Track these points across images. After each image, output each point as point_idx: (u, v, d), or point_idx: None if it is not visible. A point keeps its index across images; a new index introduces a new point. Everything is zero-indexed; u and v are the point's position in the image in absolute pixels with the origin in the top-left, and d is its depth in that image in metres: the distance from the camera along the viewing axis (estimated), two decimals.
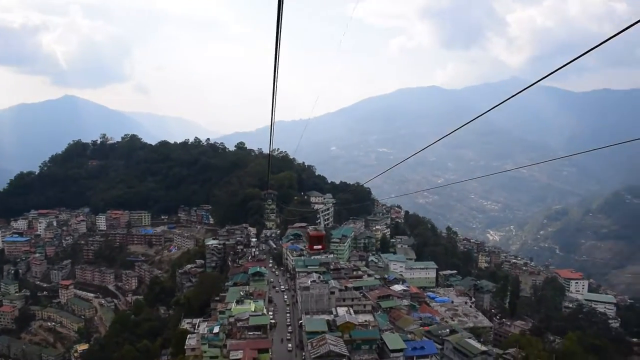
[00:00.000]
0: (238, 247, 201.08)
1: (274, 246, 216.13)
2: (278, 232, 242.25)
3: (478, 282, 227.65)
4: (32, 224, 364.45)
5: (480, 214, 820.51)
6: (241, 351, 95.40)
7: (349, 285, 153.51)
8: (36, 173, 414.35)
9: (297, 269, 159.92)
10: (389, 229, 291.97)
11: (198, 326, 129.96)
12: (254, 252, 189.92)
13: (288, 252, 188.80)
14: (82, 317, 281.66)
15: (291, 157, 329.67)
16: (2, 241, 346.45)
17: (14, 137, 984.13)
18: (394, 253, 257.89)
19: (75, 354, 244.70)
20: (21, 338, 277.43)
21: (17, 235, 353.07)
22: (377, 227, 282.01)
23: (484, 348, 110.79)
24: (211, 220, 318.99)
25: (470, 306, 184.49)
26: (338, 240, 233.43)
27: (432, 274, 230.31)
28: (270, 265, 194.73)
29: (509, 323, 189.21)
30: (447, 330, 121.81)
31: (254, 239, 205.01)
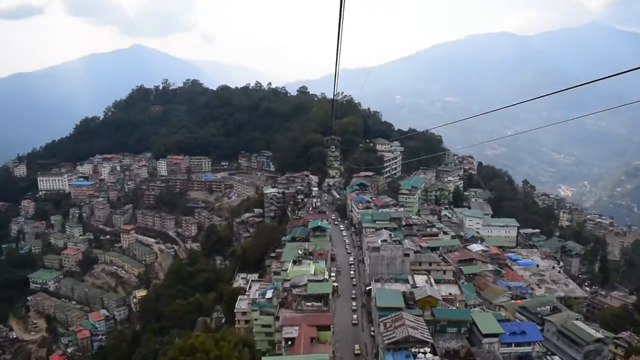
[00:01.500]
0: (298, 197, 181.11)
1: (337, 196, 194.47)
2: (342, 181, 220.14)
3: (565, 243, 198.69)
4: (97, 168, 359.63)
5: (552, 167, 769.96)
6: (296, 328, 74.70)
7: (423, 244, 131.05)
8: (100, 119, 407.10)
9: (363, 224, 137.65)
10: (461, 181, 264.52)
11: (250, 287, 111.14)
12: (315, 202, 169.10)
13: (353, 204, 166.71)
14: (143, 262, 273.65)
15: (356, 102, 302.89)
16: (69, 185, 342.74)
17: (86, 86, 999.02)
18: (468, 207, 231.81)
19: (134, 300, 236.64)
20: (84, 281, 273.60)
21: (82, 179, 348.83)
22: (449, 178, 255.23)
23: (599, 335, 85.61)
24: (272, 167, 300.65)
25: (559, 271, 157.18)
26: (407, 192, 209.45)
27: (513, 233, 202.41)
28: (333, 217, 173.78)
29: (603, 293, 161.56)
30: (548, 307, 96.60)
31: (315, 188, 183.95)
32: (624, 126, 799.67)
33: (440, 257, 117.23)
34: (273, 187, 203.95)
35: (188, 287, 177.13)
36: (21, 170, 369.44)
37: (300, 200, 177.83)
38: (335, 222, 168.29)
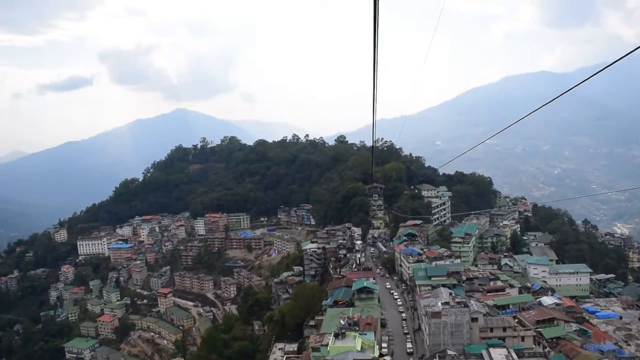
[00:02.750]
0: (340, 252, 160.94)
1: (384, 249, 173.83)
2: (387, 232, 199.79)
3: None
4: (136, 230, 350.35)
5: (605, 205, 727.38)
6: None
7: (489, 302, 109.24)
8: (140, 180, 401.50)
9: (417, 282, 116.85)
10: (518, 225, 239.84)
11: None
12: (359, 258, 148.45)
13: (402, 258, 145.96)
14: (181, 327, 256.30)
15: (397, 147, 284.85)
16: (108, 248, 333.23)
17: (132, 150, 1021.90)
18: (529, 254, 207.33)
19: None
20: (120, 349, 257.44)
21: (121, 242, 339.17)
22: (505, 222, 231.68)
23: None
24: (312, 221, 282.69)
25: None
26: (460, 240, 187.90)
27: (585, 280, 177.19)
28: (380, 273, 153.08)
29: None
30: None
31: (358, 242, 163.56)
32: None
33: (516, 319, 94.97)
34: (312, 242, 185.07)
35: (223, 358, 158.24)
36: (62, 235, 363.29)
37: (342, 255, 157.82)
38: (383, 278, 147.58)
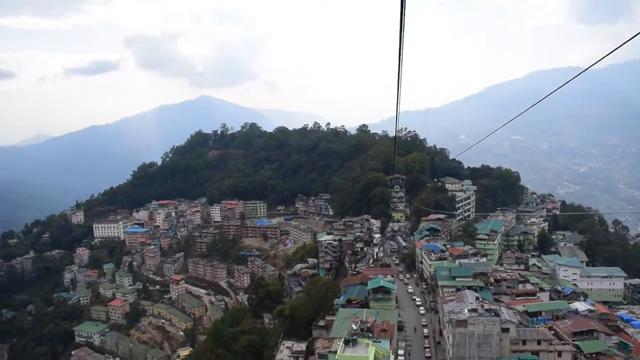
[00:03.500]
0: (357, 245, 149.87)
1: (403, 244, 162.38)
2: (408, 225, 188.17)
3: None
4: (153, 214, 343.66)
5: (631, 205, 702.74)
6: None
7: (518, 307, 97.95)
8: (158, 164, 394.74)
9: (439, 282, 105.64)
10: (546, 223, 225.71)
11: None
12: (377, 252, 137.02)
13: (423, 254, 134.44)
14: (192, 315, 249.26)
15: (421, 138, 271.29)
16: (124, 232, 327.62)
17: (155, 136, 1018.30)
18: (558, 254, 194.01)
19: (178, 359, 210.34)
20: (130, 335, 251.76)
21: (137, 226, 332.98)
22: (532, 220, 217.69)
23: None
24: (330, 212, 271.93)
25: None
26: (486, 237, 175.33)
27: (619, 285, 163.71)
28: (399, 269, 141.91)
29: None
30: None
31: (377, 235, 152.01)
32: None
33: (551, 330, 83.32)
34: (328, 234, 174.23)
35: (230, 352, 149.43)
36: (78, 217, 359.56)
37: (359, 249, 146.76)
38: (402, 276, 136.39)
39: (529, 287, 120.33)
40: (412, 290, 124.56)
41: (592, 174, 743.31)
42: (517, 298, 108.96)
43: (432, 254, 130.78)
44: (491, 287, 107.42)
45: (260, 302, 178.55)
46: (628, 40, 22.95)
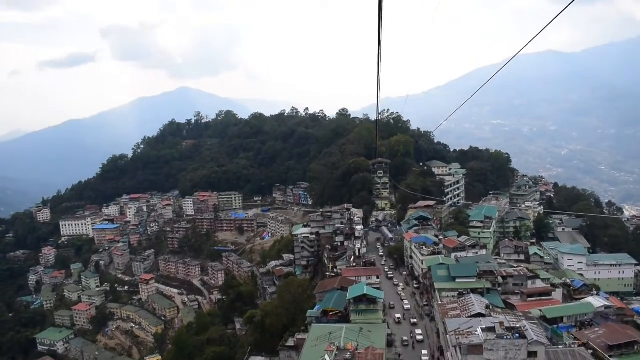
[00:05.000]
0: (336, 240, 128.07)
1: (390, 235, 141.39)
2: (394, 214, 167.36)
3: None
4: (123, 209, 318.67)
5: (613, 186, 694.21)
6: None
7: (533, 311, 77.92)
8: (129, 156, 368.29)
9: (436, 285, 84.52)
10: (541, 207, 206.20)
11: None
12: (359, 248, 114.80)
13: (413, 248, 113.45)
14: (163, 318, 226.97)
15: (404, 119, 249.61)
16: (92, 229, 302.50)
17: (135, 129, 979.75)
18: (557, 240, 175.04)
19: None
20: (97, 341, 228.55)
21: (107, 222, 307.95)
22: (527, 204, 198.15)
23: None
24: (310, 201, 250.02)
25: None
26: (480, 224, 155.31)
27: (629, 273, 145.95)
28: (385, 265, 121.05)
29: None
30: None
31: (359, 227, 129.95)
32: None
33: (587, 349, 62.57)
34: (305, 226, 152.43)
35: None
36: (45, 215, 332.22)
37: (338, 244, 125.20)
38: (389, 275, 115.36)
39: (539, 284, 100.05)
40: (401, 290, 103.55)
41: (573, 157, 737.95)
42: (529, 299, 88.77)
43: (424, 248, 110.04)
44: (499, 288, 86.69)
45: (231, 305, 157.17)
46: (534, 37, 24.15)
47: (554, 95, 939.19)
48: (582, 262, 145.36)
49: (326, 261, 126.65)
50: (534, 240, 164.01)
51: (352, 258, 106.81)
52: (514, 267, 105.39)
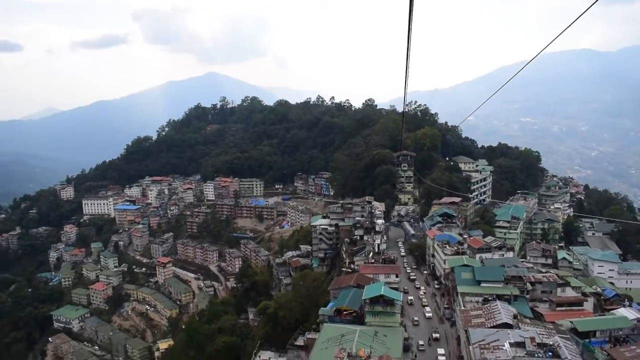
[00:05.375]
0: (355, 233, 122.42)
1: (412, 232, 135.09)
2: (417, 209, 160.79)
3: None
4: (145, 191, 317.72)
5: None
6: None
7: (563, 322, 71.52)
8: (153, 138, 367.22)
9: (460, 288, 78.32)
10: (571, 209, 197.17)
11: None
12: (379, 244, 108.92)
13: (436, 246, 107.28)
14: (178, 302, 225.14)
15: (432, 112, 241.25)
16: (114, 209, 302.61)
17: (163, 111, 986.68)
18: (586, 245, 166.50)
19: (157, 352, 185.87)
20: (112, 321, 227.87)
21: (128, 203, 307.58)
22: (556, 205, 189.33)
23: None
24: (332, 192, 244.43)
25: None
26: (507, 224, 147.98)
27: None
28: (405, 263, 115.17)
29: None
30: None
31: (379, 221, 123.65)
32: None
33: None
34: (324, 217, 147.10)
35: (203, 355, 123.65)
36: (68, 193, 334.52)
37: (358, 237, 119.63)
38: (410, 272, 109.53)
39: (569, 292, 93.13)
40: (422, 290, 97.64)
41: (603, 159, 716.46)
42: (558, 308, 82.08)
43: (447, 247, 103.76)
44: (527, 295, 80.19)
45: (245, 294, 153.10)
46: (553, 40, 25.81)
47: (586, 95, 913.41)
48: (613, 270, 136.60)
49: (344, 255, 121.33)
50: (562, 244, 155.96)
51: (371, 254, 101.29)
52: (542, 272, 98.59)
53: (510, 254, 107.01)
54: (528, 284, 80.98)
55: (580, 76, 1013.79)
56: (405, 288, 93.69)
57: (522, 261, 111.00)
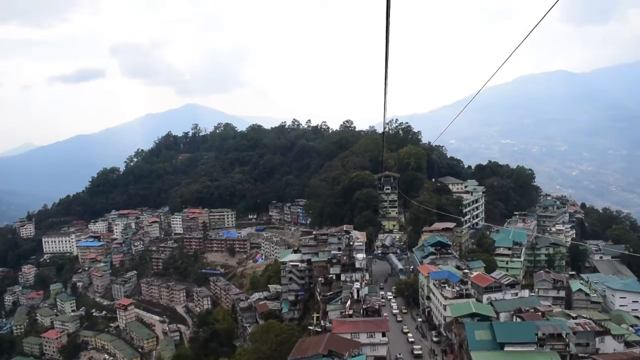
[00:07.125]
0: (331, 271, 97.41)
1: (399, 266, 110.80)
2: (403, 237, 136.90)
3: None
4: (111, 226, 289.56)
5: (625, 209, 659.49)
6: None
7: None
8: (120, 170, 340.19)
9: (473, 355, 53.82)
10: (573, 231, 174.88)
11: None
12: (358, 288, 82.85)
13: (432, 286, 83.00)
14: (140, 349, 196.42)
15: (415, 130, 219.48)
16: (77, 246, 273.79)
17: (142, 144, 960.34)
18: (595, 270, 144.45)
19: None
20: None
21: (92, 240, 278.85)
22: (558, 227, 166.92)
23: None
24: (309, 220, 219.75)
25: None
26: (508, 252, 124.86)
27: None
28: (394, 306, 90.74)
29: None
30: None
31: (360, 255, 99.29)
32: None
33: None
34: (296, 252, 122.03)
35: None
36: (28, 230, 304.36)
37: (333, 277, 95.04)
38: (400, 317, 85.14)
39: (609, 342, 69.66)
40: (415, 345, 73.01)
41: (584, 177, 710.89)
42: None
43: (447, 287, 79.52)
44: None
45: (204, 345, 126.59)
46: (501, 66, 25.74)
47: (564, 115, 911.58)
48: (637, 302, 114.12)
49: (318, 297, 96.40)
50: (572, 272, 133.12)
51: (349, 302, 76.20)
52: (573, 316, 74.92)
53: (526, 293, 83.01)
54: (572, 345, 56.69)
55: (558, 98, 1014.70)
56: (399, 355, 68.77)
57: (532, 295, 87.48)
